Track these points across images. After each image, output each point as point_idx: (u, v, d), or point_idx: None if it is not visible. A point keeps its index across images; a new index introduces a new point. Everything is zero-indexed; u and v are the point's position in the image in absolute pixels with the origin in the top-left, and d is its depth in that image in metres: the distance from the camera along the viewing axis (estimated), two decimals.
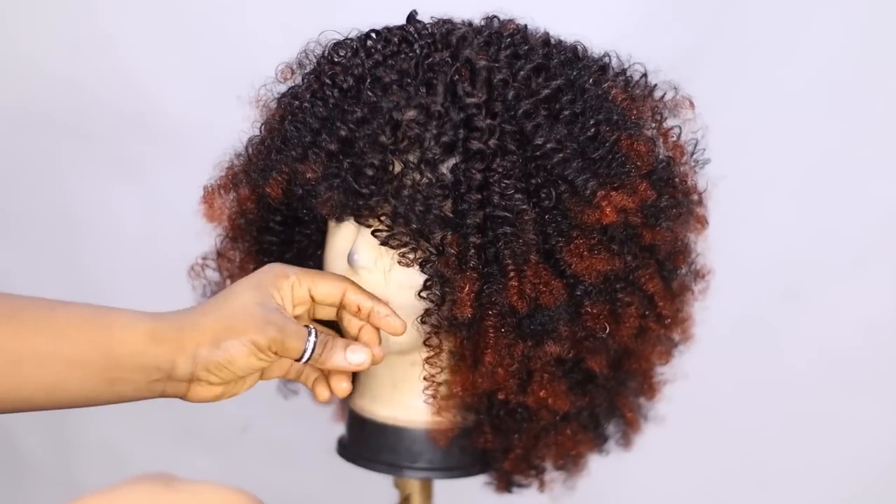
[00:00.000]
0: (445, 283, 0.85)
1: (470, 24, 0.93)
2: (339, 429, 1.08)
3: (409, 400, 0.97)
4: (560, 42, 0.93)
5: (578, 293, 0.88)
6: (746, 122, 1.57)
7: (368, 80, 0.86)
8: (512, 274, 0.84)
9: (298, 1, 1.51)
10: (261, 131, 0.93)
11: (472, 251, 0.83)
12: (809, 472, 1.67)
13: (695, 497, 1.69)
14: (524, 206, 0.83)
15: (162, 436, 1.66)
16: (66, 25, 1.55)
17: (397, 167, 0.84)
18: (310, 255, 1.01)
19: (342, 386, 0.92)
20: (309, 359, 0.85)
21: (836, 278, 1.61)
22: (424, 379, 0.93)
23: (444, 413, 0.97)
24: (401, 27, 0.91)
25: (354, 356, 0.87)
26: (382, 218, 0.85)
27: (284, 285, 0.86)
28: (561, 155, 0.84)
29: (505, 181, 0.83)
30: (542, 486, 1.05)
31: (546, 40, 0.92)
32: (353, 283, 0.89)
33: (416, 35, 0.89)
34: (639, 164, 0.88)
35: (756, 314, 1.63)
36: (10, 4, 1.55)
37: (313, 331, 0.85)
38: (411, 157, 0.83)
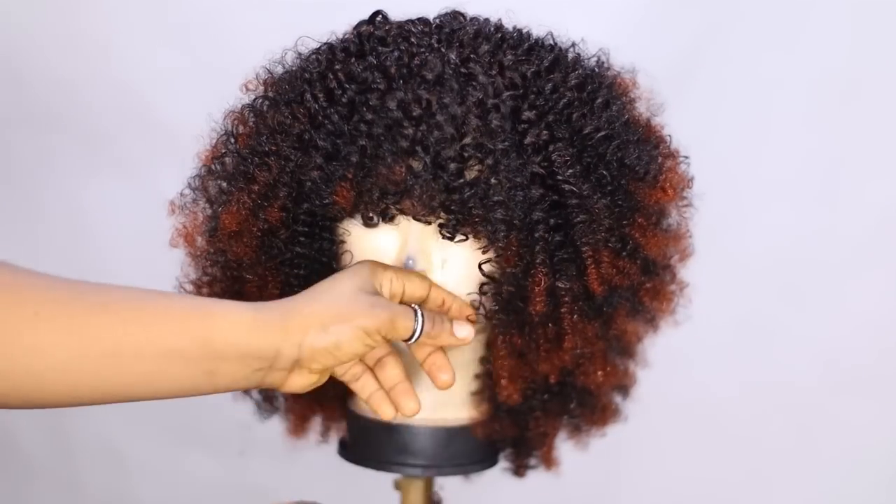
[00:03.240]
0: (512, 280, 0.86)
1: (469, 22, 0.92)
2: (341, 428, 1.08)
3: None
4: (539, 39, 0.92)
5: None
6: (746, 121, 1.57)
7: (417, 79, 0.83)
8: (590, 261, 0.85)
9: (301, 2, 1.51)
10: (272, 147, 0.88)
11: (540, 245, 0.84)
12: (809, 471, 1.67)
13: (695, 496, 1.69)
14: (595, 194, 0.84)
15: (162, 436, 1.66)
16: (66, 25, 1.55)
17: (471, 162, 0.83)
18: (318, 269, 0.95)
19: (410, 406, 0.87)
20: (419, 337, 0.84)
21: (836, 278, 1.62)
22: (476, 376, 0.95)
23: (479, 408, 0.97)
24: (413, 22, 0.89)
25: (461, 330, 0.87)
26: (442, 215, 0.84)
27: (383, 278, 0.85)
28: (617, 141, 0.85)
29: (569, 170, 0.83)
30: (549, 464, 1.05)
31: (536, 40, 0.91)
32: (432, 281, 0.88)
33: (426, 31, 0.88)
34: (664, 143, 0.91)
35: (756, 314, 1.63)
36: (10, 4, 1.55)
37: (418, 309, 0.85)
38: (476, 153, 0.82)
